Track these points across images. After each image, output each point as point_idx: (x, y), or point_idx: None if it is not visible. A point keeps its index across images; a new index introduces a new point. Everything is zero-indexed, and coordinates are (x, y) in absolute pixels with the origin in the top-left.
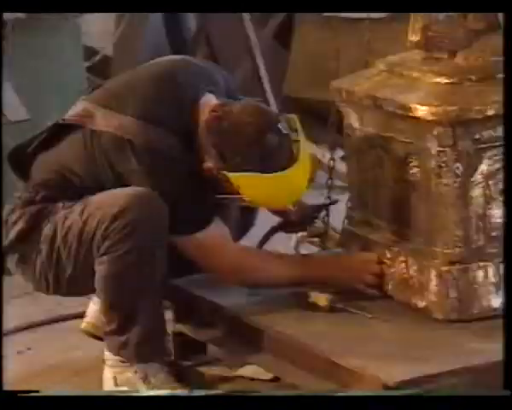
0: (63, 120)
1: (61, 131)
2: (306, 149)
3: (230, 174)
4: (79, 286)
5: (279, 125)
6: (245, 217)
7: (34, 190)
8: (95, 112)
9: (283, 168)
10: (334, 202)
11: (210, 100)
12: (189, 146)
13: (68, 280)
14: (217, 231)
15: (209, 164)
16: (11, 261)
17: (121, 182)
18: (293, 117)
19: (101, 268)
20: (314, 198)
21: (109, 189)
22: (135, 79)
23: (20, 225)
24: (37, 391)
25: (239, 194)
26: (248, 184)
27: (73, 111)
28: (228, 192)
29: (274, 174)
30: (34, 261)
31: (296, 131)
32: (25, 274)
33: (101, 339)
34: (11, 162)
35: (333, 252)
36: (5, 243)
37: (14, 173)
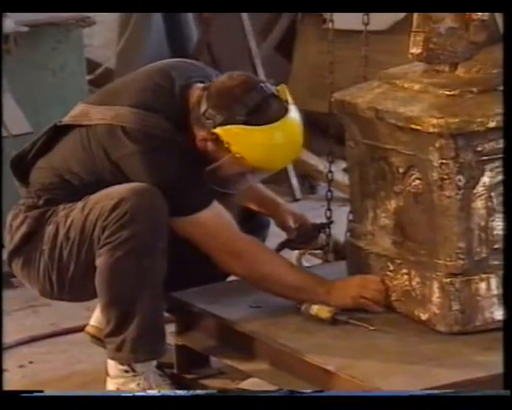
0: (60, 121)
1: (58, 135)
2: (297, 116)
3: (219, 129)
4: (82, 287)
5: (262, 85)
6: (256, 233)
7: (36, 195)
8: (90, 110)
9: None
10: (331, 222)
11: (199, 86)
12: (183, 130)
13: (71, 280)
14: (216, 212)
15: (201, 133)
16: (16, 266)
17: (119, 172)
18: (283, 87)
19: (100, 260)
20: (315, 210)
21: (108, 183)
22: (128, 79)
23: (23, 229)
24: (41, 391)
25: (230, 152)
26: (237, 137)
27: (70, 114)
28: (220, 158)
29: (261, 127)
30: (38, 263)
31: (286, 101)
32: (30, 278)
33: (104, 344)
34: (13, 170)
35: (335, 264)
36: (10, 247)
37: (16, 180)
